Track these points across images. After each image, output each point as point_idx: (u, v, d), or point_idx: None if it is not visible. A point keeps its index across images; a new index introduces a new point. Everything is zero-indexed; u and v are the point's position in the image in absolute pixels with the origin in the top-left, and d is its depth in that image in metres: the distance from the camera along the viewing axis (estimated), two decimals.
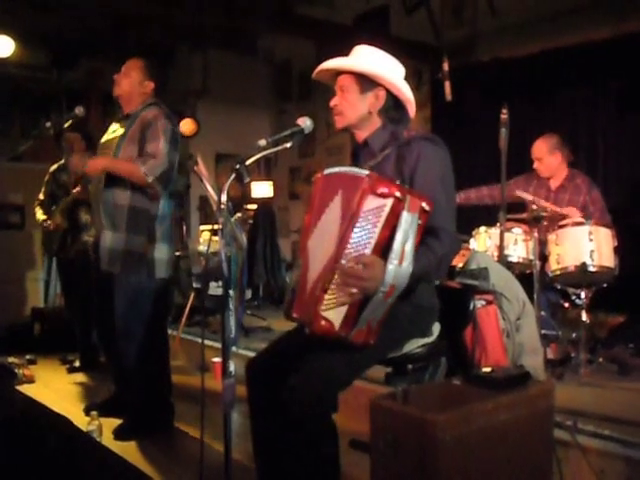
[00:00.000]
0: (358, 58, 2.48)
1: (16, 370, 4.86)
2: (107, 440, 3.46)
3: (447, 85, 4.83)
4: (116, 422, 3.74)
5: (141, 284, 3.64)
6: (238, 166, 2.20)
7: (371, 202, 2.11)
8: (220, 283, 2.12)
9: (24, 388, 4.43)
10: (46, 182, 5.31)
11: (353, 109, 2.43)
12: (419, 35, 6.89)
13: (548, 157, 4.61)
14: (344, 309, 2.11)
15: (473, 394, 2.22)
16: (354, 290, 2.09)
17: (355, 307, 2.11)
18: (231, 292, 2.11)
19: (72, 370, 5.28)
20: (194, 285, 2.22)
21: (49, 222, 5.10)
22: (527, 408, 2.27)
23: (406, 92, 2.45)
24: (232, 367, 2.13)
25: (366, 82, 2.41)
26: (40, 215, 5.23)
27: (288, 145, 2.39)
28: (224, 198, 2.12)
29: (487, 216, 4.70)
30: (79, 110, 3.78)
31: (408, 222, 2.07)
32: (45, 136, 3.91)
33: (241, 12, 6.47)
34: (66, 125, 3.95)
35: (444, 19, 6.95)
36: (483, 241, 4.47)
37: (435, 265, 2.24)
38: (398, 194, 2.09)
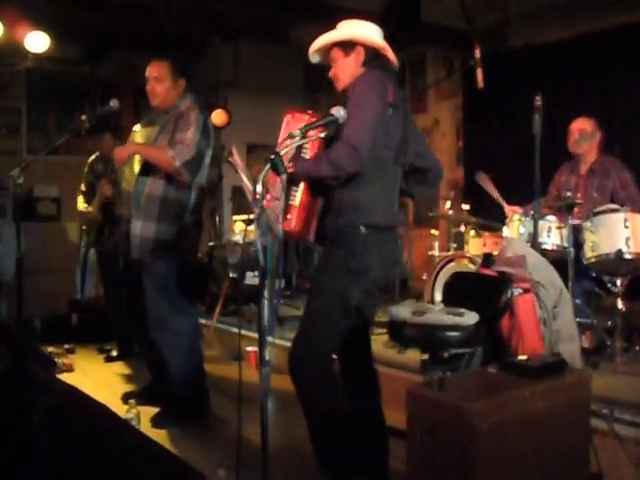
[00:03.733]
0: (336, 31, 2.83)
1: (56, 359, 4.96)
2: (145, 428, 3.51)
3: (479, 72, 4.78)
4: (153, 410, 3.80)
5: (171, 273, 3.67)
6: (273, 156, 2.21)
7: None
8: (256, 273, 2.14)
9: (63, 377, 4.51)
10: (85, 173, 5.42)
11: (344, 72, 2.79)
12: (449, 21, 6.82)
13: (591, 136, 4.58)
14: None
15: (510, 382, 2.22)
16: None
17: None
18: (267, 282, 2.12)
19: (109, 359, 5.37)
20: (230, 275, 2.24)
21: (88, 213, 5.19)
22: (564, 396, 2.26)
23: (378, 41, 2.78)
24: (268, 356, 2.15)
25: (346, 46, 2.78)
26: (81, 205, 5.35)
27: (322, 135, 2.40)
28: (259, 188, 2.13)
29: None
30: (114, 103, 3.81)
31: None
32: (81, 130, 3.96)
33: (272, 2, 6.47)
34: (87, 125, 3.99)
35: (475, 5, 6.86)
36: (516, 229, 4.44)
37: (315, 165, 2.58)
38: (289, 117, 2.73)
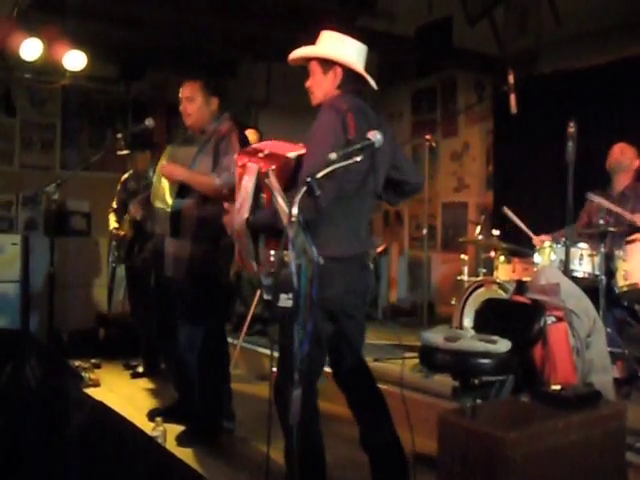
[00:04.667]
0: (320, 44, 2.84)
1: (82, 373, 4.99)
2: (170, 446, 3.51)
3: (513, 98, 4.78)
4: (178, 428, 3.80)
5: (204, 293, 3.69)
6: (309, 179, 2.22)
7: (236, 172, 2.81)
8: (290, 295, 2.14)
9: (90, 391, 4.53)
10: (118, 191, 5.46)
11: (319, 89, 2.84)
12: (482, 47, 6.83)
13: (631, 161, 4.61)
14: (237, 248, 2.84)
15: (543, 412, 2.19)
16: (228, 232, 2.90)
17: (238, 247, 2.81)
18: (301, 304, 2.12)
19: (135, 375, 5.39)
20: (265, 297, 2.24)
21: (119, 230, 5.24)
22: (599, 428, 2.23)
23: (357, 65, 2.79)
24: (297, 377, 2.14)
25: (326, 64, 2.79)
26: (113, 222, 5.40)
27: (358, 159, 2.40)
28: (295, 211, 2.14)
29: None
30: (149, 122, 3.87)
31: (244, 183, 2.69)
32: (116, 147, 4.02)
33: (304, 24, 6.54)
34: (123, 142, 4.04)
35: (507, 30, 6.87)
36: (547, 256, 4.40)
37: (273, 214, 2.49)
38: (238, 162, 2.78)
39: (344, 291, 2.69)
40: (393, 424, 2.88)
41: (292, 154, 2.70)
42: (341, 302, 2.69)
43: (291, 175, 2.64)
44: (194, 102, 3.74)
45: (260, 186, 2.66)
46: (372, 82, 2.87)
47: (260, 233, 2.71)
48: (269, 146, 2.83)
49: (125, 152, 4.82)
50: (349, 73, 2.79)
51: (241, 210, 2.69)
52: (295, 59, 2.91)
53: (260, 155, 2.72)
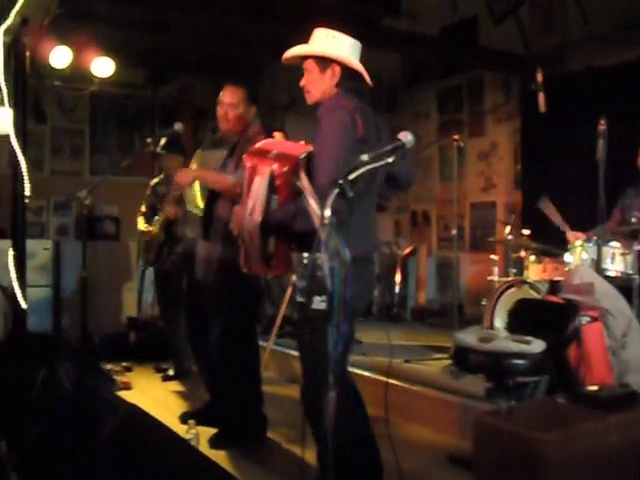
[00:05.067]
0: (315, 42, 2.82)
1: (114, 377, 5.03)
2: (203, 448, 3.53)
3: (541, 96, 4.73)
4: (210, 431, 3.81)
5: (235, 295, 3.70)
6: (341, 181, 2.21)
7: (245, 173, 2.77)
8: (323, 297, 2.14)
9: (122, 395, 4.57)
10: (147, 195, 5.49)
11: (316, 87, 2.82)
12: (508, 45, 6.78)
13: None
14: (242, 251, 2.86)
15: (580, 413, 2.17)
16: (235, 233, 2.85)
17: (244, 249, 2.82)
18: (335, 306, 2.12)
19: (166, 378, 5.42)
20: (298, 299, 2.23)
21: (148, 232, 5.27)
22: (637, 430, 2.20)
23: (356, 64, 2.80)
24: (332, 380, 2.14)
25: (323, 62, 2.78)
26: (141, 225, 5.41)
27: (390, 160, 2.39)
28: (327, 213, 2.13)
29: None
30: (178, 126, 3.89)
31: (256, 184, 2.66)
32: (146, 152, 4.06)
33: (328, 27, 6.54)
34: (162, 142, 4.07)
35: (533, 28, 6.82)
36: (579, 255, 4.35)
37: (291, 215, 2.57)
38: (248, 163, 2.73)
39: (360, 292, 2.66)
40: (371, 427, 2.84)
41: (302, 154, 2.67)
42: (358, 303, 2.67)
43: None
44: (236, 109, 3.71)
45: (273, 187, 2.65)
46: (368, 79, 2.87)
47: (272, 235, 2.71)
48: (274, 145, 2.82)
49: (162, 151, 4.83)
50: (346, 70, 2.80)
51: (254, 212, 2.68)
52: (289, 58, 2.90)
53: (270, 155, 2.71)
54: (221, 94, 3.76)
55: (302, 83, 2.88)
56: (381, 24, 7.66)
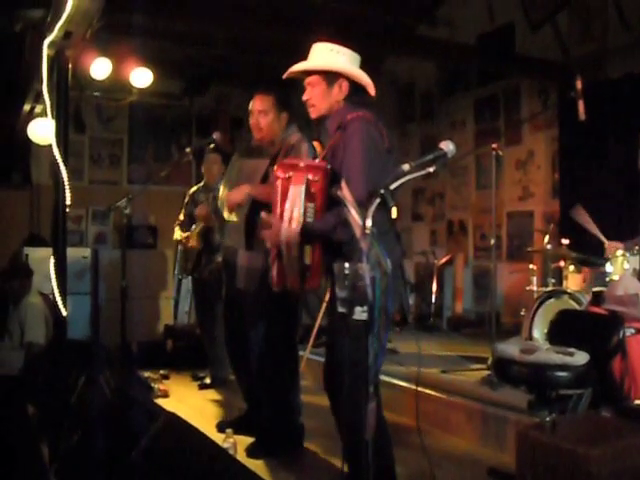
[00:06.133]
0: (319, 57, 2.82)
1: (152, 384, 5.07)
2: (240, 457, 3.53)
3: (581, 104, 4.65)
4: (248, 440, 3.82)
5: (276, 304, 3.69)
6: (382, 191, 2.20)
7: (277, 184, 2.78)
8: (365, 307, 2.13)
9: (159, 402, 4.60)
10: (186, 203, 5.49)
11: (323, 101, 2.82)
12: (545, 53, 6.72)
13: None
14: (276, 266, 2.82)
15: (627, 428, 2.13)
16: (268, 245, 2.82)
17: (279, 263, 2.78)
18: (376, 317, 2.11)
19: (203, 387, 5.43)
20: (339, 309, 2.23)
21: (186, 241, 5.31)
22: None
23: (364, 78, 2.81)
24: (372, 390, 2.12)
25: (330, 77, 2.79)
26: (178, 234, 5.43)
27: (431, 170, 2.38)
28: (369, 223, 2.12)
29: None
30: (217, 135, 3.92)
31: (293, 193, 2.67)
32: (185, 161, 4.09)
33: (365, 36, 6.55)
34: (209, 146, 4.09)
35: (571, 35, 6.74)
36: (620, 265, 4.26)
37: (332, 225, 2.59)
38: (281, 174, 2.73)
39: (393, 300, 2.65)
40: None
41: (327, 165, 2.72)
42: (391, 312, 2.66)
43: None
44: (267, 116, 3.72)
45: (310, 196, 2.68)
46: (373, 91, 2.87)
47: (308, 245, 2.70)
48: (298, 159, 2.93)
49: (215, 154, 4.82)
50: (354, 85, 2.81)
51: (292, 221, 2.69)
52: (292, 74, 2.89)
53: (300, 167, 2.75)
54: (251, 103, 3.78)
55: (306, 97, 2.88)
56: (415, 33, 7.65)
